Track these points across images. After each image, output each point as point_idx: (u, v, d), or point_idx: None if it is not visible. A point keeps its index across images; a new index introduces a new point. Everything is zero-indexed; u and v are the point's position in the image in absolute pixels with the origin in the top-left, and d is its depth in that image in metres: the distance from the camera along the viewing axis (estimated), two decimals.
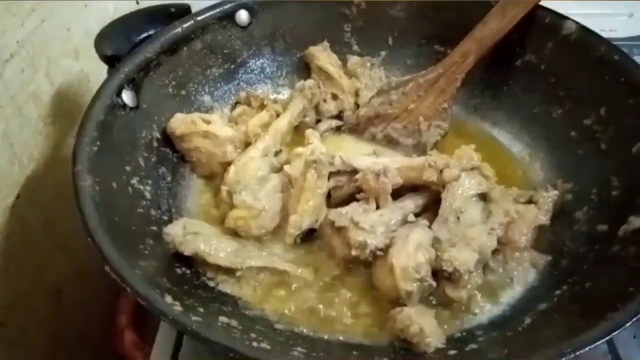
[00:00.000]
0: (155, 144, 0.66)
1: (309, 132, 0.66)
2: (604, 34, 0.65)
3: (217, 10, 0.74)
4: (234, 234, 0.58)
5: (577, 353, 0.39)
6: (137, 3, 0.77)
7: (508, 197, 0.61)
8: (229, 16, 0.75)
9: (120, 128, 0.61)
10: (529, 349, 0.41)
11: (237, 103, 0.76)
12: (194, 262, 0.55)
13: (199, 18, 0.72)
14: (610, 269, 0.50)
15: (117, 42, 0.68)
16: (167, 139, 0.67)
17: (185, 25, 0.71)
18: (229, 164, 0.65)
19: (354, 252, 0.54)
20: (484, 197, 0.61)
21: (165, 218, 0.61)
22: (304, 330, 0.51)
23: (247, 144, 0.68)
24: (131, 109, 0.64)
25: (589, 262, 0.53)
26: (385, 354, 0.48)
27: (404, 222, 0.56)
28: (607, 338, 0.40)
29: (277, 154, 0.66)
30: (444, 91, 0.72)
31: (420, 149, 0.72)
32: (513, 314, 0.52)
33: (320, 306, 0.53)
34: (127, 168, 0.60)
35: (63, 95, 0.70)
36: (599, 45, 0.65)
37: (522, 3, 0.66)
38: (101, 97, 0.61)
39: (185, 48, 0.71)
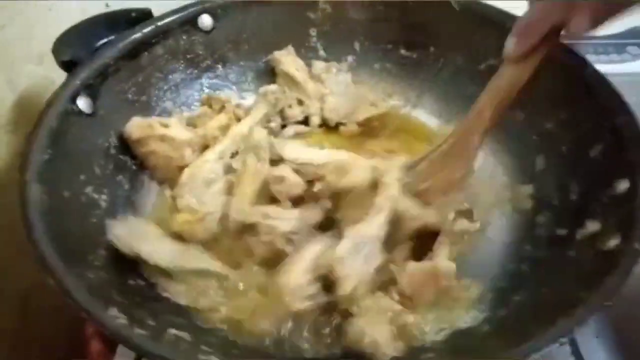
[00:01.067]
0: (112, 151, 0.64)
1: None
2: None
3: (179, 14, 0.73)
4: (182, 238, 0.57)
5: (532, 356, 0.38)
6: (107, 6, 0.75)
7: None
8: (192, 21, 0.74)
9: (74, 135, 0.59)
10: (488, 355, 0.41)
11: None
12: (140, 268, 0.54)
13: (160, 23, 0.71)
14: (566, 273, 0.50)
15: (76, 47, 0.67)
16: (126, 146, 0.65)
17: (145, 30, 0.70)
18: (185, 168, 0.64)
19: (264, 239, 0.54)
20: None
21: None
22: (257, 344, 0.50)
23: (205, 147, 0.66)
24: (87, 115, 0.62)
25: (547, 268, 0.53)
26: None
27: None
28: (553, 345, 0.39)
29: (233, 156, 0.65)
30: (460, 156, 0.59)
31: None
32: (472, 324, 0.51)
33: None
34: (82, 177, 0.58)
35: (26, 101, 0.68)
36: (558, 50, 0.65)
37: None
38: (54, 103, 0.59)
39: (146, 53, 0.70)
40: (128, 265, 0.54)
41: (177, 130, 0.66)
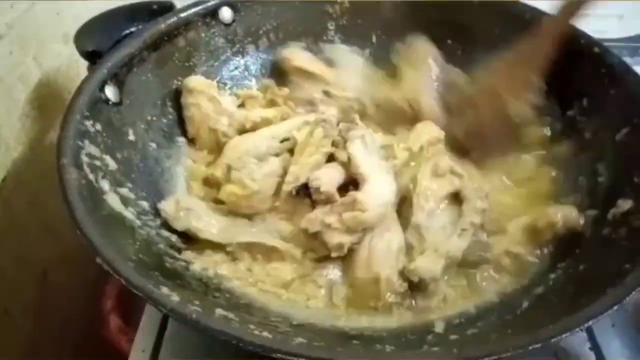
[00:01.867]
0: (138, 143, 0.64)
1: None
2: (595, 36, 0.66)
3: (200, 7, 0.73)
4: (227, 211, 0.58)
5: (582, 327, 0.39)
6: None
7: (480, 194, 0.60)
8: (212, 13, 0.74)
9: (103, 123, 0.59)
10: (531, 328, 0.41)
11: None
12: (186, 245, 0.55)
13: (182, 15, 0.71)
14: (603, 250, 0.51)
15: (98, 38, 0.67)
16: (152, 135, 0.65)
17: (168, 22, 0.70)
18: (215, 135, 0.66)
19: (334, 254, 0.54)
20: (457, 196, 0.61)
21: (152, 215, 0.59)
22: (301, 322, 0.50)
23: (240, 130, 0.68)
24: (114, 104, 0.62)
25: (581, 246, 0.54)
26: (385, 341, 0.47)
27: None
28: (607, 312, 0.40)
29: (283, 141, 0.64)
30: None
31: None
32: (510, 299, 0.52)
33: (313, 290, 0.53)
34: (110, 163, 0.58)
35: (52, 79, 0.69)
36: (579, 38, 0.67)
37: None
38: (84, 91, 0.59)
39: (168, 45, 0.70)
40: (163, 247, 0.53)
41: (226, 99, 0.69)
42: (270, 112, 0.69)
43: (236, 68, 0.78)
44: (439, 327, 0.50)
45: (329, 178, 0.57)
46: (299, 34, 0.79)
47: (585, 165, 0.61)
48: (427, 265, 0.52)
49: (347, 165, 0.59)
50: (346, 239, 0.53)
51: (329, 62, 0.78)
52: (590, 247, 0.53)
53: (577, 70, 0.66)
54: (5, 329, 0.63)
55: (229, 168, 0.57)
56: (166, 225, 0.56)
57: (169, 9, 0.73)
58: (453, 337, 0.46)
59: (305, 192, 0.57)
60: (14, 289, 0.65)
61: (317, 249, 0.55)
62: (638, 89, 0.60)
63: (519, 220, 0.59)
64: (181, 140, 0.69)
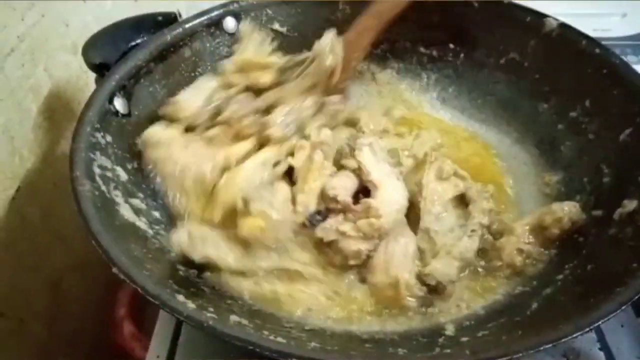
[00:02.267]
0: None
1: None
2: (598, 34, 0.67)
3: (205, 17, 0.74)
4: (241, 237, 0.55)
5: (592, 328, 0.39)
6: (135, 0, 0.77)
7: (485, 194, 0.62)
8: (216, 23, 0.75)
9: (113, 134, 0.60)
10: (541, 328, 0.42)
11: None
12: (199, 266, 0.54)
13: (187, 25, 0.72)
14: (609, 250, 0.51)
15: (105, 50, 0.68)
16: None
17: (173, 33, 0.71)
18: (201, 186, 0.59)
19: (352, 262, 0.55)
20: (462, 198, 0.62)
21: (163, 225, 0.60)
22: (316, 327, 0.50)
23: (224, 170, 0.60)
24: (123, 115, 0.63)
25: (588, 246, 0.54)
26: (397, 344, 0.48)
27: None
28: (617, 312, 0.40)
29: (275, 165, 0.61)
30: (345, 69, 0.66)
31: None
32: (519, 301, 0.52)
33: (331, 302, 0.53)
34: (122, 174, 0.59)
35: (62, 89, 0.70)
36: (580, 40, 0.67)
37: None
38: (94, 103, 0.60)
39: (174, 55, 0.71)
40: (175, 256, 0.54)
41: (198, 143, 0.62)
42: (248, 144, 0.62)
43: None
44: (450, 330, 0.50)
45: (344, 187, 0.58)
46: (302, 42, 0.80)
47: (589, 165, 0.62)
48: (442, 268, 0.53)
49: (357, 172, 0.60)
50: (363, 246, 0.54)
51: None
52: (597, 248, 0.53)
53: (579, 71, 0.67)
54: (20, 337, 0.64)
55: (245, 201, 0.54)
56: None
57: (174, 20, 0.74)
58: (464, 339, 0.47)
59: (318, 219, 0.56)
60: (28, 298, 0.65)
61: (334, 261, 0.56)
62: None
63: (525, 220, 0.59)
64: None
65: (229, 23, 0.76)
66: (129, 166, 0.60)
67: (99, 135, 0.58)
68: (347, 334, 0.50)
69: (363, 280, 0.56)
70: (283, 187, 0.57)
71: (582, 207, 0.59)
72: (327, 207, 0.56)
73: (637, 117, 0.59)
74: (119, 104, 0.63)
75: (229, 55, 0.76)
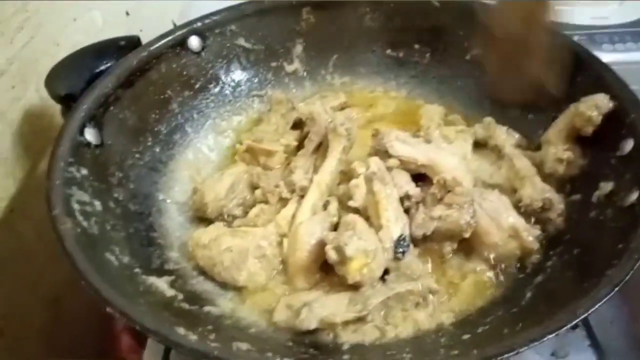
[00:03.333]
0: (124, 182, 0.63)
1: (355, 164, 0.63)
2: (596, 22, 0.67)
3: (169, 38, 0.73)
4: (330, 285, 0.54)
5: (591, 311, 0.40)
6: (127, 14, 0.76)
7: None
8: (181, 43, 0.74)
9: (88, 167, 0.59)
10: (540, 318, 0.43)
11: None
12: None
13: (151, 48, 0.71)
14: (593, 233, 0.53)
15: (69, 80, 0.67)
16: (134, 175, 0.65)
17: (139, 57, 0.70)
18: (266, 261, 0.57)
19: (467, 234, 0.55)
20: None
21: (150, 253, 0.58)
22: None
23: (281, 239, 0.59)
24: (96, 146, 0.62)
25: (571, 231, 0.56)
26: (402, 349, 0.48)
27: None
28: (612, 293, 0.42)
29: (325, 207, 0.60)
30: None
31: None
32: (514, 291, 0.53)
33: None
34: (102, 207, 0.57)
35: (54, 109, 0.69)
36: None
37: None
38: (64, 137, 0.58)
39: (141, 79, 0.70)
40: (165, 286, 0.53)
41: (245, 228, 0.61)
42: (292, 207, 0.62)
43: (212, 95, 0.78)
44: (450, 326, 0.51)
45: (406, 182, 0.59)
46: (269, 54, 0.80)
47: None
48: (533, 190, 0.57)
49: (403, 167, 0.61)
50: (466, 216, 0.54)
51: None
52: (580, 232, 0.55)
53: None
54: (19, 355, 0.63)
55: (338, 249, 0.50)
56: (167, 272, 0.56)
57: (137, 44, 0.73)
58: (466, 336, 0.47)
59: (405, 245, 0.54)
60: (26, 316, 0.66)
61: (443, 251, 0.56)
62: (602, 74, 0.62)
63: (557, 126, 0.63)
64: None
65: (194, 42, 0.75)
66: (108, 198, 0.58)
67: (73, 169, 0.57)
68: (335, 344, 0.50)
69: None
70: (354, 218, 0.54)
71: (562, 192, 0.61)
72: (405, 209, 0.57)
73: None
74: (90, 134, 0.61)
75: (196, 74, 0.75)
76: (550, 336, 0.39)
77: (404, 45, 0.81)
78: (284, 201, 0.64)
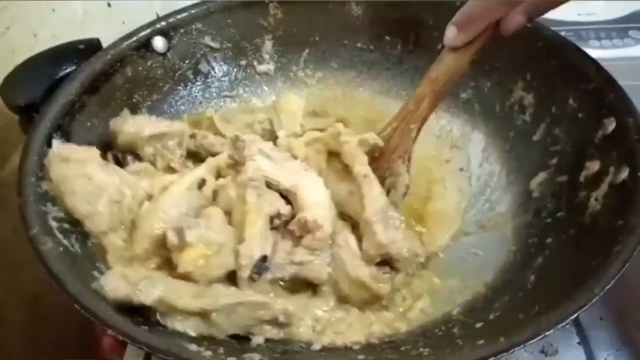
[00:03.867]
0: None
1: (227, 162, 0.59)
2: (582, 19, 0.66)
3: (132, 40, 0.69)
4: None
5: (605, 290, 0.40)
6: (109, 5, 0.73)
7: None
8: (145, 45, 0.70)
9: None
10: (554, 300, 0.43)
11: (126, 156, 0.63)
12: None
13: (114, 51, 0.67)
14: (587, 212, 0.53)
15: (27, 89, 0.62)
16: None
17: (102, 61, 0.66)
18: (118, 209, 0.53)
19: (326, 288, 0.52)
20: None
21: None
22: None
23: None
24: None
25: (564, 211, 0.57)
26: (415, 343, 0.47)
27: None
28: (623, 269, 0.42)
29: (200, 186, 0.56)
30: (397, 145, 0.61)
31: None
32: (513, 276, 0.53)
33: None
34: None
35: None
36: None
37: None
38: (31, 150, 0.54)
39: (107, 84, 0.66)
40: None
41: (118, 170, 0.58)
42: (174, 177, 0.59)
43: (180, 97, 0.75)
44: (459, 316, 0.50)
45: (277, 199, 0.54)
46: (238, 52, 0.77)
47: (545, 135, 0.64)
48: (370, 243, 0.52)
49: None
50: (325, 267, 0.51)
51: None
52: (573, 211, 0.55)
53: (515, 47, 0.70)
54: None
55: (178, 231, 0.47)
56: None
57: (97, 47, 0.68)
58: (479, 324, 0.47)
59: (264, 266, 0.50)
60: (4, 314, 0.64)
61: (298, 286, 0.52)
62: (577, 57, 0.64)
63: None
64: None
65: (158, 43, 0.72)
66: None
67: (44, 184, 0.52)
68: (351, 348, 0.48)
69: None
70: (216, 211, 0.51)
71: (545, 177, 0.61)
72: (272, 227, 0.52)
73: (578, 82, 0.62)
74: (58, 145, 0.57)
75: (163, 76, 0.72)
76: (573, 317, 0.39)
77: (374, 37, 0.80)
78: (170, 171, 0.61)
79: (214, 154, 0.62)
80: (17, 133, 0.61)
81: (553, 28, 0.67)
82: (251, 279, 0.49)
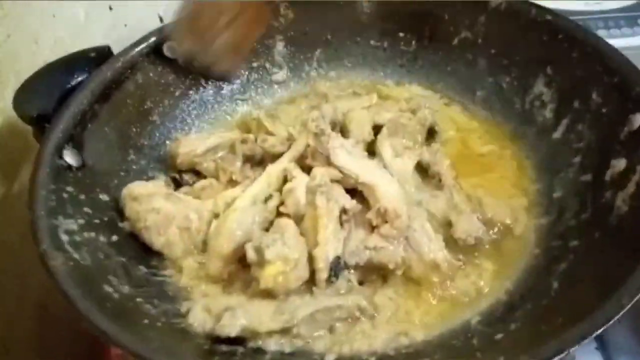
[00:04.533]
0: (112, 203, 0.59)
1: (290, 166, 0.59)
2: (590, 7, 0.65)
3: (142, 46, 0.69)
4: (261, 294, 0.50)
5: (631, 303, 0.38)
6: (111, 9, 0.73)
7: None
8: (156, 50, 0.69)
9: (72, 192, 0.54)
10: (579, 311, 0.40)
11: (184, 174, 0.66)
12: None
13: (125, 58, 0.67)
14: (613, 214, 0.51)
15: (40, 99, 0.62)
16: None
17: (113, 68, 0.65)
18: (188, 234, 0.56)
19: (399, 272, 0.53)
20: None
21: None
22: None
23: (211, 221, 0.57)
24: (77, 169, 0.57)
25: (589, 212, 0.54)
26: (432, 354, 0.45)
27: None
28: None
29: (266, 200, 0.57)
30: None
31: None
32: (537, 281, 0.51)
33: None
34: (93, 234, 0.53)
35: None
36: (529, 9, 0.67)
37: None
38: (43, 162, 0.54)
39: (118, 92, 0.65)
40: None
41: (183, 195, 0.60)
42: (238, 190, 0.59)
43: (192, 102, 0.74)
44: (478, 325, 0.49)
45: (342, 195, 0.55)
46: (250, 54, 0.76)
47: (569, 131, 0.62)
48: (467, 225, 0.54)
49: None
50: (402, 253, 0.52)
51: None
52: (598, 213, 0.53)
53: (534, 40, 0.67)
54: None
55: (258, 250, 0.48)
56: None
57: (109, 54, 0.68)
58: (499, 336, 0.45)
59: (340, 267, 0.52)
60: (14, 325, 0.63)
61: (370, 280, 0.53)
62: (600, 48, 0.61)
63: None
64: None
65: (170, 47, 0.71)
66: (97, 224, 0.53)
67: (56, 196, 0.52)
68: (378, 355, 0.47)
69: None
70: (287, 223, 0.52)
71: (571, 175, 0.59)
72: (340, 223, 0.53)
73: (602, 75, 0.59)
74: (70, 157, 0.57)
75: (175, 81, 0.71)
76: (599, 332, 0.37)
77: (388, 34, 0.78)
78: (233, 183, 0.62)
79: (277, 155, 0.63)
80: (29, 142, 0.61)
81: None
82: (329, 281, 0.50)
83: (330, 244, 0.50)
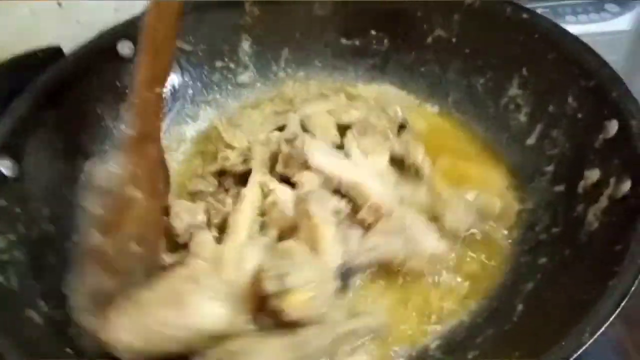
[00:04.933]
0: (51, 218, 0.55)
1: (264, 180, 0.56)
2: None
3: (95, 44, 0.65)
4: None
5: (593, 338, 0.34)
6: (60, 5, 0.68)
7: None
8: (110, 50, 0.65)
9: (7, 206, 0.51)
10: (536, 345, 0.37)
11: None
12: None
13: (75, 58, 0.63)
14: (584, 230, 0.47)
15: None
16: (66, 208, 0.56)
17: (62, 70, 0.61)
18: None
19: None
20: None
21: None
22: None
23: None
24: (14, 180, 0.53)
25: (560, 226, 0.50)
26: None
27: None
28: (618, 310, 0.36)
29: (261, 228, 0.54)
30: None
31: None
32: (501, 303, 0.48)
33: None
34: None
35: None
36: (504, 8, 0.64)
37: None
38: None
39: (67, 97, 0.61)
40: None
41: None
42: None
43: None
44: (436, 351, 0.45)
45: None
46: (214, 54, 0.72)
47: (542, 137, 0.58)
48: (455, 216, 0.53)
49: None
50: (400, 246, 0.50)
51: None
52: (569, 229, 0.49)
53: (510, 40, 0.63)
54: None
55: (278, 278, 0.44)
56: None
57: (58, 54, 0.64)
58: None
59: (349, 270, 0.51)
60: None
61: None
62: (577, 50, 0.57)
63: None
64: None
65: (124, 47, 0.67)
66: (30, 243, 0.50)
67: None
68: None
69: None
70: (293, 246, 0.48)
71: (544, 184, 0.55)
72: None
73: (579, 78, 0.56)
74: (5, 167, 0.53)
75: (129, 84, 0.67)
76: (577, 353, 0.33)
77: (359, 32, 0.74)
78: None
79: (243, 173, 0.59)
80: None
81: (528, 6, 0.62)
82: (342, 291, 0.49)
83: (334, 251, 0.48)
